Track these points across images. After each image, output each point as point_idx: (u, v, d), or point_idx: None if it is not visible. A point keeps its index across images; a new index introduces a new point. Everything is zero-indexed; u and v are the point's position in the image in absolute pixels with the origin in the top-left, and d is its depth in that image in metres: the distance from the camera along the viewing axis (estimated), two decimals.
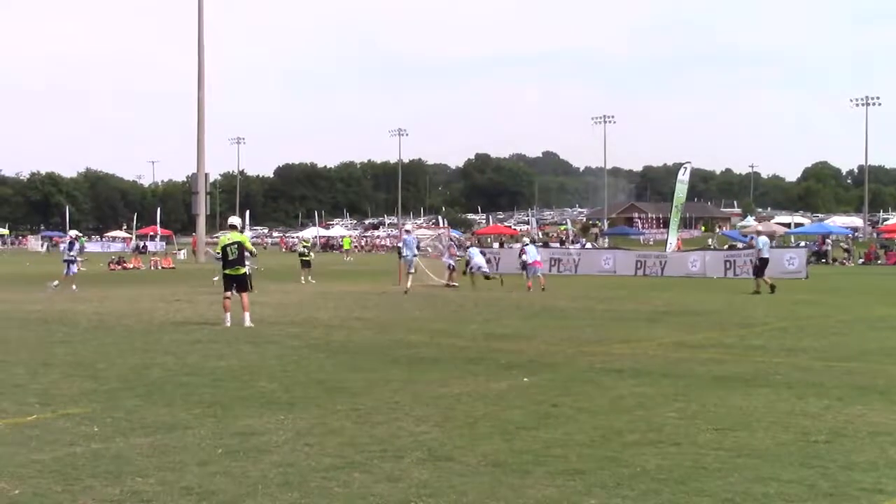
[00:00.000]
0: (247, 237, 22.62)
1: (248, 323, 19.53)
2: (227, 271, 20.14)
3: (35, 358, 14.50)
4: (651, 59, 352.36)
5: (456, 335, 18.01)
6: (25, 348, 15.87)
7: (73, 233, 38.92)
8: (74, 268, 34.12)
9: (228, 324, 19.58)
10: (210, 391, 11.36)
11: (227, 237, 20.65)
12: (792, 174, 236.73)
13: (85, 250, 79.06)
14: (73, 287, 33.02)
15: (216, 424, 9.32)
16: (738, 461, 7.83)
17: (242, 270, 20.59)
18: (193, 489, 6.98)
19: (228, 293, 20.22)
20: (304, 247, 43.77)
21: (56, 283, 33.46)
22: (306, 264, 40.03)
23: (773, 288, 29.97)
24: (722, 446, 8.36)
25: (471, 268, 35.51)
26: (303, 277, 38.35)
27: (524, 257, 34.17)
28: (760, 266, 31.98)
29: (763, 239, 33.88)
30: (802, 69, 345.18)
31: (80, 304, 25.81)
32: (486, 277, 35.11)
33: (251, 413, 9.92)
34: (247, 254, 20.77)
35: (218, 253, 20.69)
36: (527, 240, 41.61)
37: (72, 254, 34.67)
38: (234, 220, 21.77)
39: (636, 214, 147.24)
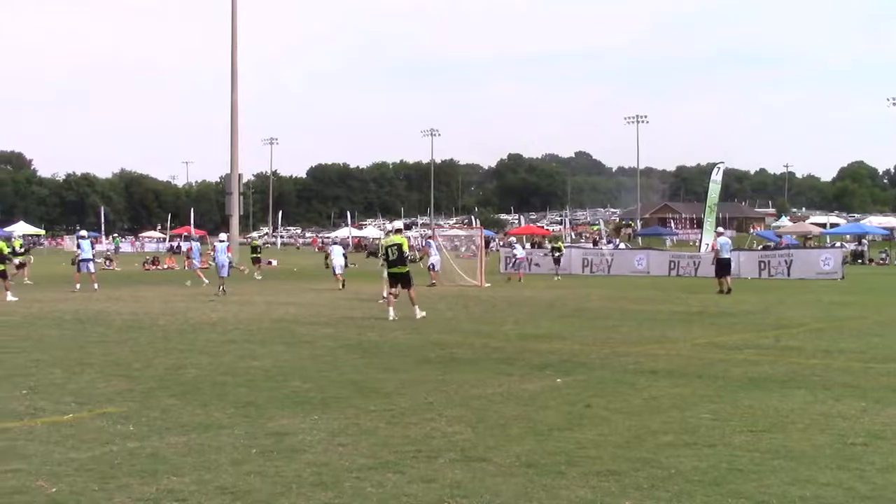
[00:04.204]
0: (406, 239, 24.22)
1: (419, 315, 21.23)
2: (390, 270, 22.17)
3: (71, 357, 14.62)
4: (685, 58, 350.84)
5: (489, 335, 18.00)
6: (62, 348, 16.01)
7: (83, 232, 39.10)
8: (92, 266, 33.89)
9: (392, 317, 20.86)
10: (244, 391, 11.41)
11: (388, 239, 22.91)
12: (827, 174, 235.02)
13: (120, 251, 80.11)
14: (78, 286, 32.75)
15: (250, 424, 9.36)
16: (773, 463, 7.76)
17: (405, 269, 22.27)
18: (228, 488, 7.01)
19: (394, 290, 21.91)
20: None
21: (96, 285, 33.44)
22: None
23: (729, 291, 30.21)
24: (757, 448, 8.30)
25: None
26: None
27: (515, 252, 36.60)
28: (721, 266, 31.89)
29: (723, 240, 33.98)
30: (838, 68, 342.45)
31: (116, 304, 26.00)
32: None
33: (285, 413, 9.96)
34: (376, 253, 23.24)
35: (384, 256, 22.60)
36: (513, 238, 44.31)
37: (83, 252, 34.41)
38: (398, 224, 25.39)
39: (669, 215, 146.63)
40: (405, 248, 22.59)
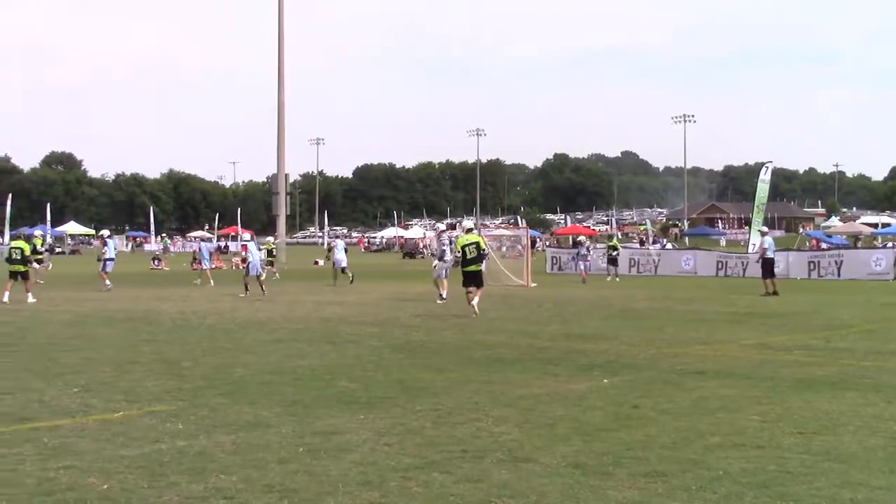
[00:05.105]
0: (482, 238, 25.10)
1: (476, 311, 21.67)
2: (467, 268, 22.39)
3: (121, 356, 14.79)
4: (733, 57, 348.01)
5: (535, 335, 17.96)
6: (112, 346, 16.19)
7: (105, 232, 39.76)
8: (110, 266, 34.15)
9: (475, 314, 21.47)
10: (291, 390, 11.47)
11: (465, 238, 23.09)
12: (879, 173, 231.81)
13: (170, 251, 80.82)
14: (107, 284, 33.07)
15: (297, 423, 9.40)
16: (824, 466, 7.68)
17: (480, 268, 22.71)
18: (275, 487, 7.05)
19: (471, 288, 22.16)
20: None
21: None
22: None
23: (775, 292, 29.62)
24: (807, 450, 8.20)
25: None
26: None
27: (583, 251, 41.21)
28: (766, 266, 31.35)
29: (768, 239, 33.33)
30: (890, 66, 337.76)
31: (164, 304, 26.24)
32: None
33: (332, 412, 9.99)
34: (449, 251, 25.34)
35: (458, 253, 23.12)
36: (583, 237, 45.31)
37: (108, 251, 34.73)
38: (468, 223, 26.02)
39: (717, 215, 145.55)
40: (482, 246, 23.18)
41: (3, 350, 15.69)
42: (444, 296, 25.96)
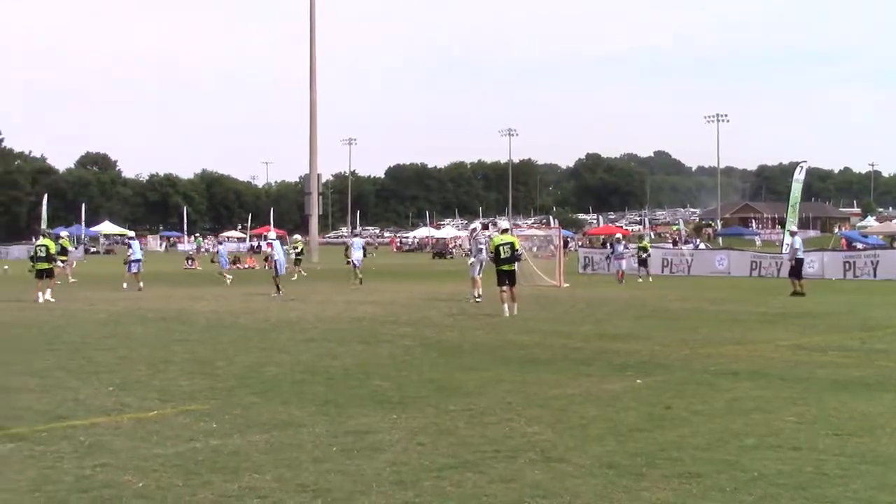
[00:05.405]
0: (516, 238, 25.35)
1: (515, 311, 21.93)
2: (502, 267, 22.65)
3: (155, 355, 14.89)
4: (767, 55, 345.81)
5: (568, 335, 17.91)
6: (146, 345, 16.31)
7: (130, 234, 40.65)
8: (136, 266, 34.39)
9: (507, 314, 21.77)
10: (324, 389, 11.50)
11: (500, 238, 23.49)
12: None
13: (203, 251, 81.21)
14: (125, 286, 33.57)
15: (330, 422, 9.43)
16: (860, 468, 7.61)
17: (513, 267, 23.00)
18: (309, 486, 7.07)
19: (505, 287, 22.45)
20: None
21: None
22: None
23: (802, 293, 29.32)
24: (843, 452, 8.13)
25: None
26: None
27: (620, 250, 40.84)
28: (797, 266, 31.04)
29: (798, 239, 32.99)
30: None
31: (197, 303, 26.40)
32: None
33: (365, 412, 10.01)
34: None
35: (492, 252, 23.43)
36: (619, 235, 45.23)
37: (133, 253, 35.05)
38: (504, 223, 26.71)
39: (751, 214, 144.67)
40: (517, 247, 23.64)
41: (40, 349, 15.86)
42: (479, 295, 25.97)
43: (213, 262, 43.04)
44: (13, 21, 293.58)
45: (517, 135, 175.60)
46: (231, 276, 39.60)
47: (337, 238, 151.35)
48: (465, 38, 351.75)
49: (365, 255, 38.50)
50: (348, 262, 38.20)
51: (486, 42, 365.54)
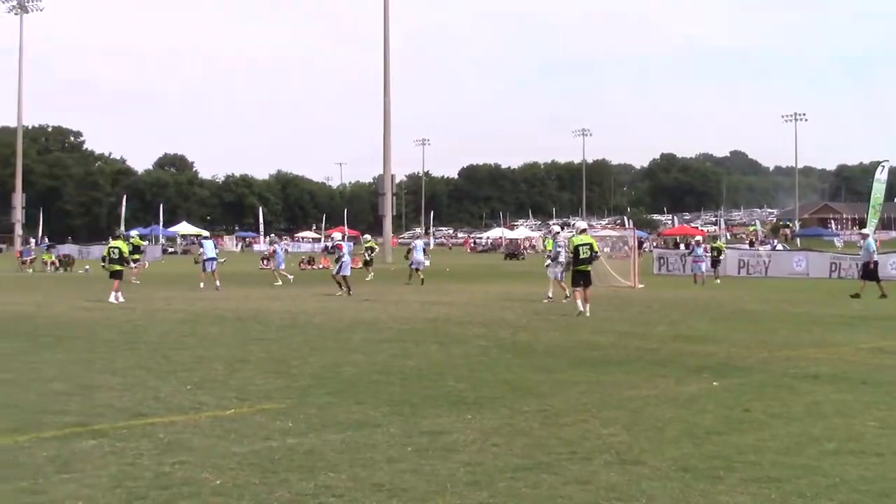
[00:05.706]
0: (594, 239, 25.48)
1: (587, 312, 22.06)
2: (579, 268, 22.94)
3: (232, 354, 15.06)
4: (845, 53, 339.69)
5: (643, 336, 17.77)
6: (223, 345, 16.51)
7: (204, 233, 41.07)
8: (214, 265, 34.79)
9: (582, 312, 22.07)
10: (399, 390, 11.54)
11: (578, 238, 23.66)
12: None
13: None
14: (202, 285, 34.05)
15: (405, 423, 9.46)
16: None
17: (589, 268, 23.21)
18: (384, 486, 7.10)
19: (579, 288, 22.74)
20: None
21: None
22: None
23: (857, 295, 28.67)
24: None
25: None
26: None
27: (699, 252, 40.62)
28: (873, 269, 30.17)
29: (870, 241, 32.07)
30: None
31: (273, 303, 26.66)
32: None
33: (439, 412, 10.03)
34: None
35: (570, 253, 23.73)
36: (699, 238, 43.71)
37: (206, 252, 35.66)
38: (582, 224, 27.03)
39: (830, 215, 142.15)
40: (595, 248, 23.86)
41: (120, 348, 16.14)
42: (568, 296, 25.89)
43: (263, 259, 43.38)
44: (96, 26, 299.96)
45: (591, 135, 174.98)
46: (291, 276, 40.04)
47: (411, 238, 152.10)
48: (537, 36, 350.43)
49: (426, 255, 38.70)
50: (411, 265, 38.30)
51: (557, 40, 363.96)
